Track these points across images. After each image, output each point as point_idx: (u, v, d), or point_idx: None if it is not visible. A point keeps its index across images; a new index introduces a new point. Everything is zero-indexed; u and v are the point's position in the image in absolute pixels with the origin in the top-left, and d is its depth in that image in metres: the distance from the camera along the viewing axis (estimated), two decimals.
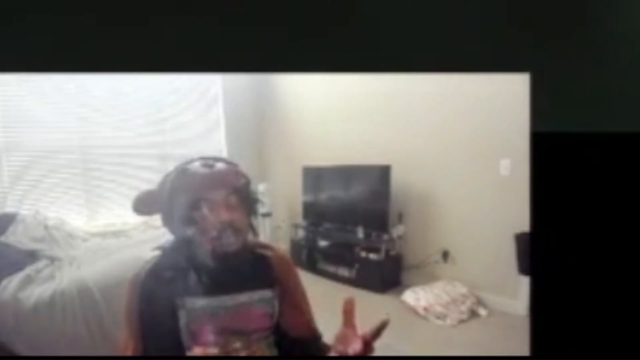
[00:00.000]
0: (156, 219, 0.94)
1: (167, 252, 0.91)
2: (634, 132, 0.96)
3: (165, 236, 0.95)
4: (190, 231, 0.83)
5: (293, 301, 0.96)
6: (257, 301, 0.88)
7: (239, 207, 0.86)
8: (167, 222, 0.88)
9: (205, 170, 0.85)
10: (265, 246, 0.99)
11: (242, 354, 0.85)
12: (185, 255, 0.87)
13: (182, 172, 0.86)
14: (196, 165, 0.86)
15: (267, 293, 0.90)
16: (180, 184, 0.84)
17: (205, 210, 0.81)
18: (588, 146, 0.95)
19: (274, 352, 0.92)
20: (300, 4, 0.78)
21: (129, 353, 0.86)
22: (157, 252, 0.92)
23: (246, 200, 0.89)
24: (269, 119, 4.52)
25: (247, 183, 0.91)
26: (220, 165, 0.88)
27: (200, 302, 0.84)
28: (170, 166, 0.93)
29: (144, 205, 0.90)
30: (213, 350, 0.83)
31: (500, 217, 2.60)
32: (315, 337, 0.97)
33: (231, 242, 0.82)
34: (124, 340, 0.88)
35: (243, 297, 0.87)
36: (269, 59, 1.03)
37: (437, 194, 2.99)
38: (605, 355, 0.94)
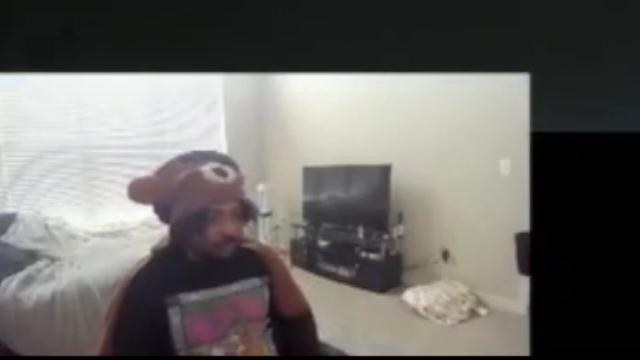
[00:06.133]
0: (155, 219, 0.94)
1: (159, 251, 0.92)
2: (634, 132, 0.96)
3: (160, 237, 0.96)
4: (190, 234, 0.86)
5: (284, 285, 1.02)
6: (248, 290, 0.92)
7: (240, 218, 0.90)
8: (163, 213, 0.90)
9: (219, 181, 0.86)
10: (248, 240, 1.03)
11: (240, 348, 0.85)
12: (176, 251, 0.90)
13: (195, 175, 0.86)
14: (209, 171, 0.86)
15: (256, 281, 0.94)
16: (191, 187, 0.85)
17: (210, 220, 0.84)
18: (588, 146, 0.95)
19: (271, 347, 0.92)
20: (301, 4, 0.78)
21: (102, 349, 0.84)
22: (150, 253, 0.93)
23: (247, 211, 0.91)
24: (269, 119, 4.52)
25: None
26: (231, 175, 0.89)
27: (194, 296, 0.85)
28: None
29: (141, 192, 0.89)
30: (216, 351, 0.83)
31: (500, 217, 2.60)
32: (309, 313, 1.06)
33: (227, 249, 0.87)
34: (102, 343, 0.84)
35: (235, 287, 0.90)
36: (269, 59, 1.03)
37: (437, 194, 2.99)
38: (605, 355, 0.94)
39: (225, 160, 0.95)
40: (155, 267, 0.89)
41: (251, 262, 0.97)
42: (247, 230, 0.98)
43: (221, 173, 0.87)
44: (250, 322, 0.89)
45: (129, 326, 0.83)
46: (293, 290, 1.05)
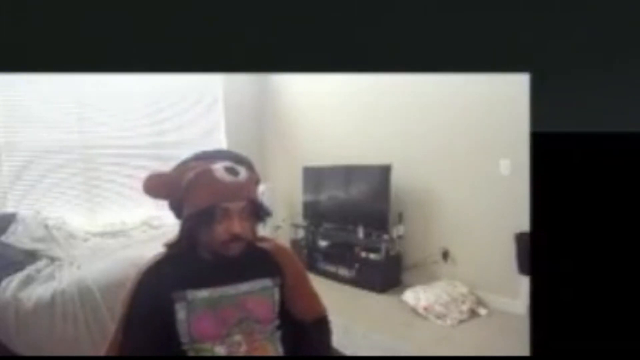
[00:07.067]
0: (155, 219, 0.95)
1: (172, 247, 0.93)
2: (634, 132, 0.96)
3: (168, 234, 0.96)
4: (199, 231, 0.86)
5: (298, 287, 0.99)
6: (258, 290, 0.90)
7: (250, 218, 0.89)
8: (177, 210, 0.91)
9: (230, 179, 0.85)
10: (263, 239, 1.02)
11: (243, 348, 0.85)
12: (187, 248, 0.90)
13: (205, 172, 0.86)
14: (220, 169, 0.86)
15: (267, 282, 0.92)
16: (201, 184, 0.85)
17: (218, 218, 0.84)
18: (588, 146, 0.95)
19: (278, 348, 0.91)
20: (301, 4, 0.78)
21: (115, 346, 0.85)
22: (164, 249, 0.93)
23: (257, 211, 0.91)
24: (269, 118, 4.52)
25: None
26: (243, 174, 0.88)
27: (202, 294, 0.85)
28: (171, 166, 0.94)
29: (155, 187, 0.90)
30: (218, 349, 0.83)
31: (500, 217, 2.60)
32: (324, 318, 1.03)
33: (235, 248, 0.86)
34: (113, 332, 0.87)
35: (245, 287, 0.89)
36: (269, 59, 1.03)
37: (437, 194, 2.99)
38: (605, 355, 0.94)
39: (240, 159, 0.94)
40: (167, 262, 0.90)
41: (264, 262, 0.96)
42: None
43: (232, 172, 0.86)
44: (258, 323, 0.88)
45: (139, 318, 0.84)
46: (307, 293, 1.02)
